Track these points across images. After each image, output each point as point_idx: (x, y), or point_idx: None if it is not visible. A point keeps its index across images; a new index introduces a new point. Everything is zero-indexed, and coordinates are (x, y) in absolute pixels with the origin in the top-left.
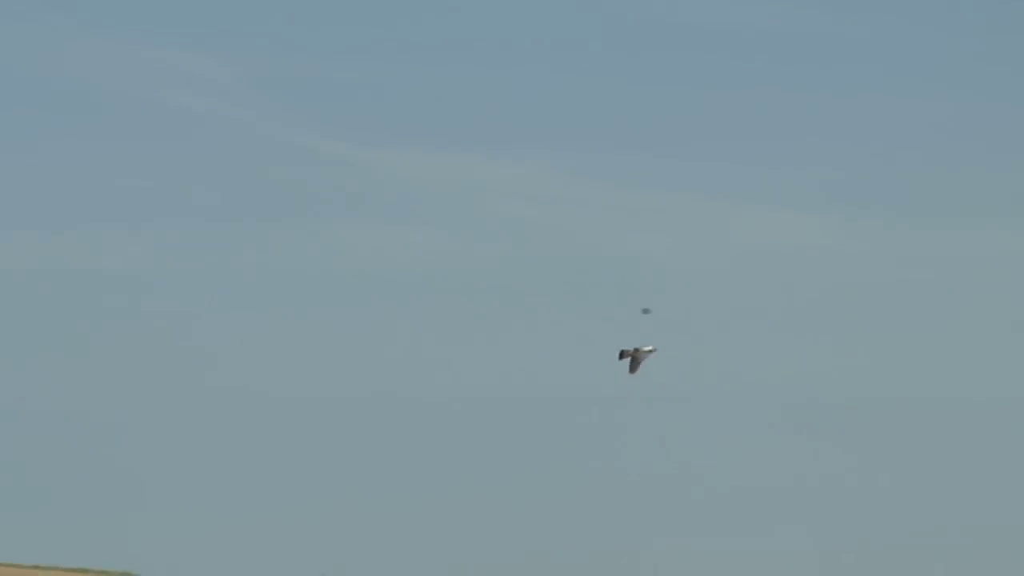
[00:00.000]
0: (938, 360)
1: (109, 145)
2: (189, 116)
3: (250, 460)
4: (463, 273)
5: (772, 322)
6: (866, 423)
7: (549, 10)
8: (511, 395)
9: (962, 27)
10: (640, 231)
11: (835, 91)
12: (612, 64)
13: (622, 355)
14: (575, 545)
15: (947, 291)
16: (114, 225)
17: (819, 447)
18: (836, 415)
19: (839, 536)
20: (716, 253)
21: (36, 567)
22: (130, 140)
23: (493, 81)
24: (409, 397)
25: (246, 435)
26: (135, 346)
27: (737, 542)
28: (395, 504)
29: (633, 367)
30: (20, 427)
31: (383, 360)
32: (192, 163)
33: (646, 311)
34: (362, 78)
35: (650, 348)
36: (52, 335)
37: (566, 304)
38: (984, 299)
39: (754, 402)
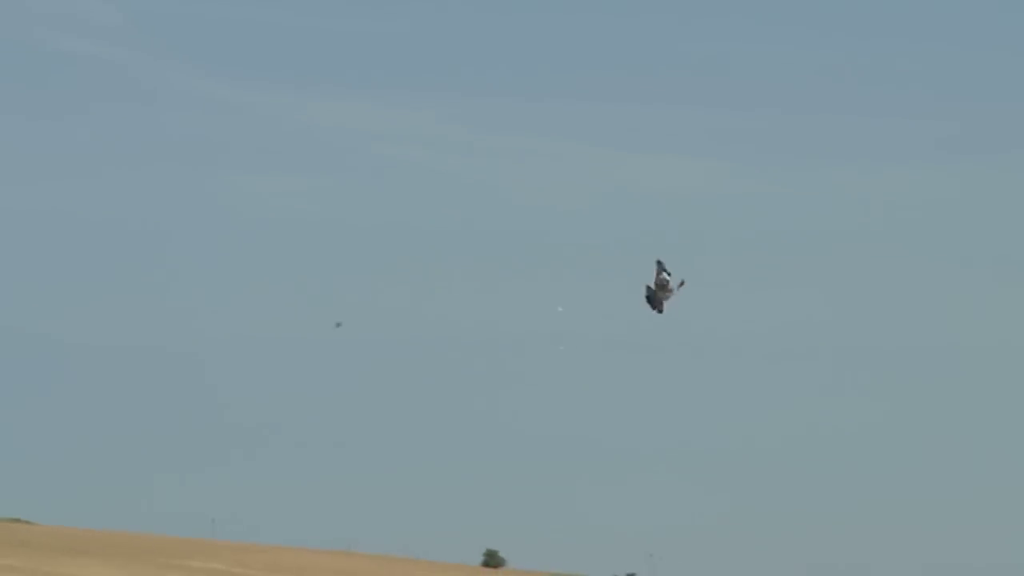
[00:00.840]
0: (816, 297)
1: None
2: (75, 59)
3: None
4: (350, 217)
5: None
6: (763, 361)
7: None
8: (398, 336)
9: None
10: (529, 175)
11: (726, 37)
12: (502, 11)
13: (654, 296)
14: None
15: (827, 232)
16: None
17: (716, 388)
18: (732, 354)
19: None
20: (604, 197)
21: None
22: (9, 81)
23: (381, 28)
24: (288, 337)
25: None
26: None
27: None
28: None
29: (658, 305)
30: None
31: (270, 303)
32: (76, 105)
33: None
34: (248, 25)
35: (680, 282)
36: None
37: (454, 248)
38: (855, 239)
39: (640, 341)
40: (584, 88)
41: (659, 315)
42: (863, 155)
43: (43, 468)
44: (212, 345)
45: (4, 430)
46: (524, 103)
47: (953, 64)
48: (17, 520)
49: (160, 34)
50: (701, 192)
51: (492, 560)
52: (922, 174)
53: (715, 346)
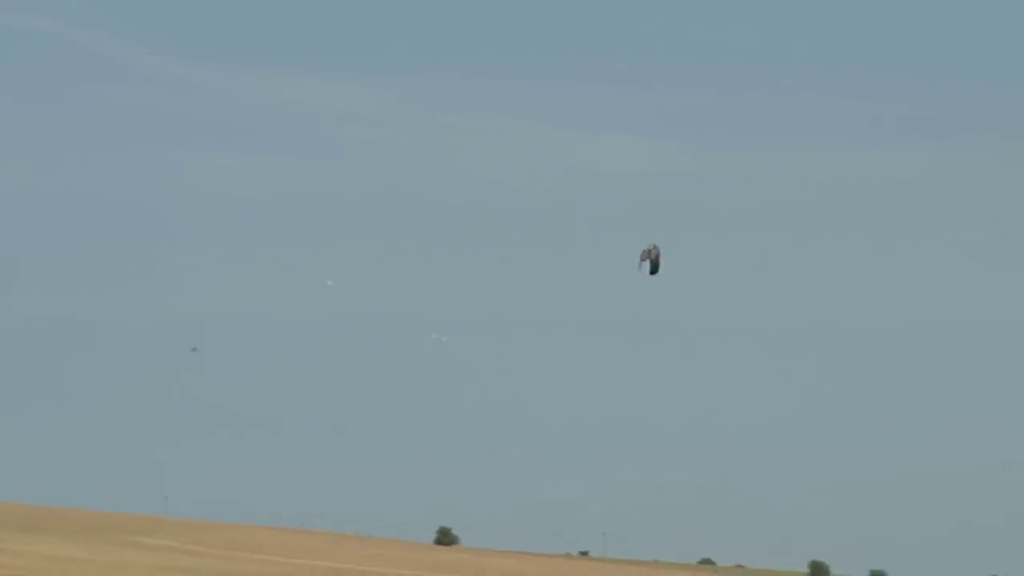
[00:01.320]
0: (770, 276)
1: None
2: (37, 38)
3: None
4: (306, 195)
5: (609, 242)
6: (715, 341)
7: None
8: (352, 316)
9: None
10: (482, 154)
11: (679, 18)
12: None
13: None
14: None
15: (780, 211)
16: None
17: (668, 368)
18: (685, 335)
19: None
20: (554, 176)
21: None
22: None
23: (343, 9)
24: (243, 317)
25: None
26: None
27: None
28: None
29: (653, 268)
30: None
31: (230, 280)
32: (39, 84)
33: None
34: (212, 6)
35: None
36: None
37: (408, 226)
38: (808, 218)
39: (593, 320)
40: (539, 68)
41: (643, 274)
42: (818, 135)
43: None
44: (169, 323)
45: None
46: (481, 83)
47: (909, 45)
48: None
49: (121, 14)
50: (654, 171)
51: (445, 538)
52: (875, 155)
53: (668, 326)
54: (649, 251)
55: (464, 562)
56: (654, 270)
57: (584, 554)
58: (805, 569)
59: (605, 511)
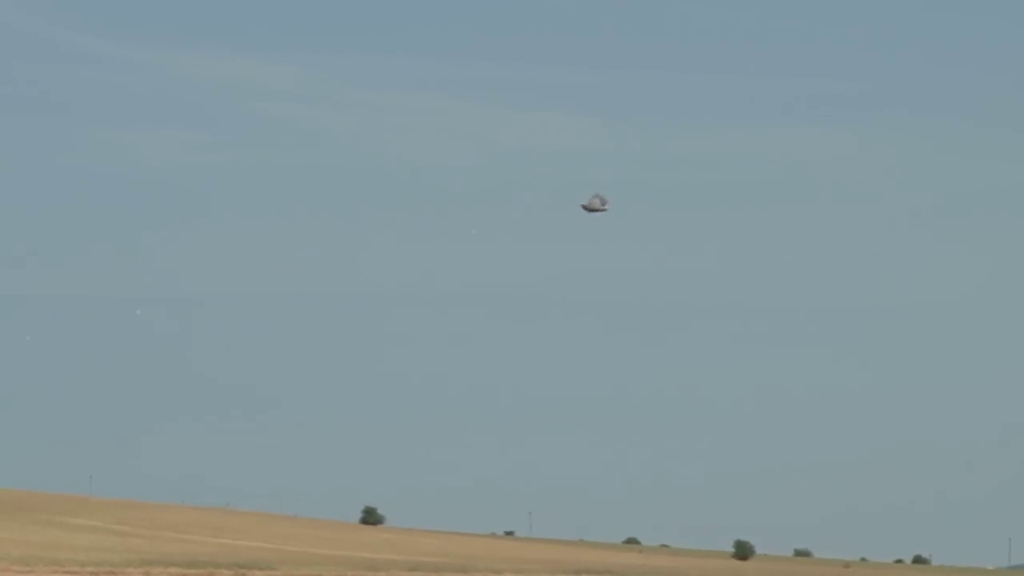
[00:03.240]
0: (699, 252)
1: None
2: None
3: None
4: (226, 172)
5: (528, 219)
6: (641, 317)
7: None
8: (274, 292)
9: None
10: (405, 132)
11: None
12: None
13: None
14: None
15: (712, 188)
16: None
17: (595, 345)
18: (611, 311)
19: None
20: (479, 154)
21: None
22: None
23: None
24: (161, 294)
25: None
26: None
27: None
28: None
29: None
30: None
31: (142, 257)
32: None
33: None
34: None
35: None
36: None
37: (327, 203)
38: (742, 195)
39: (518, 295)
40: (460, 46)
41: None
42: (749, 113)
43: None
44: (81, 300)
45: None
46: (400, 59)
47: (848, 23)
48: None
49: None
50: (577, 148)
51: (371, 517)
52: (804, 132)
53: (593, 305)
54: (596, 202)
55: (390, 542)
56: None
57: (510, 534)
58: (730, 549)
59: (531, 491)
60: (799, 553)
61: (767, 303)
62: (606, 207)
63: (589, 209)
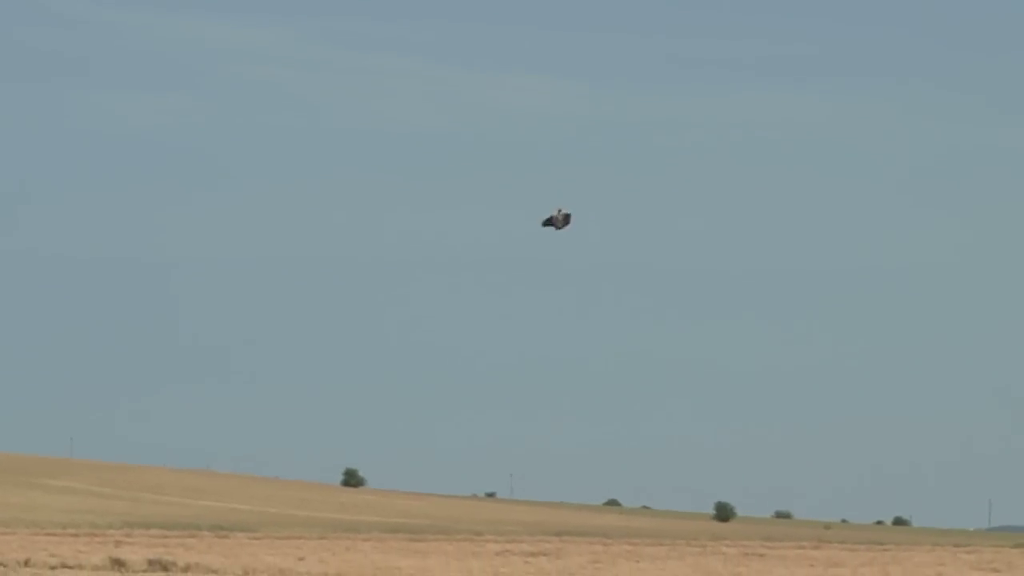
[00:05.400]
0: (678, 217)
1: None
2: None
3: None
4: (206, 135)
5: (506, 181)
6: (618, 281)
7: None
8: (255, 255)
9: None
10: (384, 95)
11: None
12: None
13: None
14: None
15: (689, 152)
16: None
17: (573, 309)
18: (587, 274)
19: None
20: (454, 116)
21: None
22: None
23: None
24: (147, 256)
25: None
26: None
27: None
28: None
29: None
30: None
31: (122, 221)
32: None
33: None
34: None
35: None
36: None
37: (307, 167)
38: (717, 159)
39: (499, 258)
40: (441, 8)
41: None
42: (722, 76)
43: None
44: (62, 262)
45: None
46: (381, 22)
47: None
48: None
49: None
50: (560, 112)
51: (352, 479)
52: (780, 97)
53: (570, 269)
54: (559, 217)
55: (371, 504)
56: (551, 223)
57: (491, 496)
58: (711, 511)
59: (512, 454)
60: (779, 515)
61: (747, 267)
62: (566, 220)
63: (555, 223)
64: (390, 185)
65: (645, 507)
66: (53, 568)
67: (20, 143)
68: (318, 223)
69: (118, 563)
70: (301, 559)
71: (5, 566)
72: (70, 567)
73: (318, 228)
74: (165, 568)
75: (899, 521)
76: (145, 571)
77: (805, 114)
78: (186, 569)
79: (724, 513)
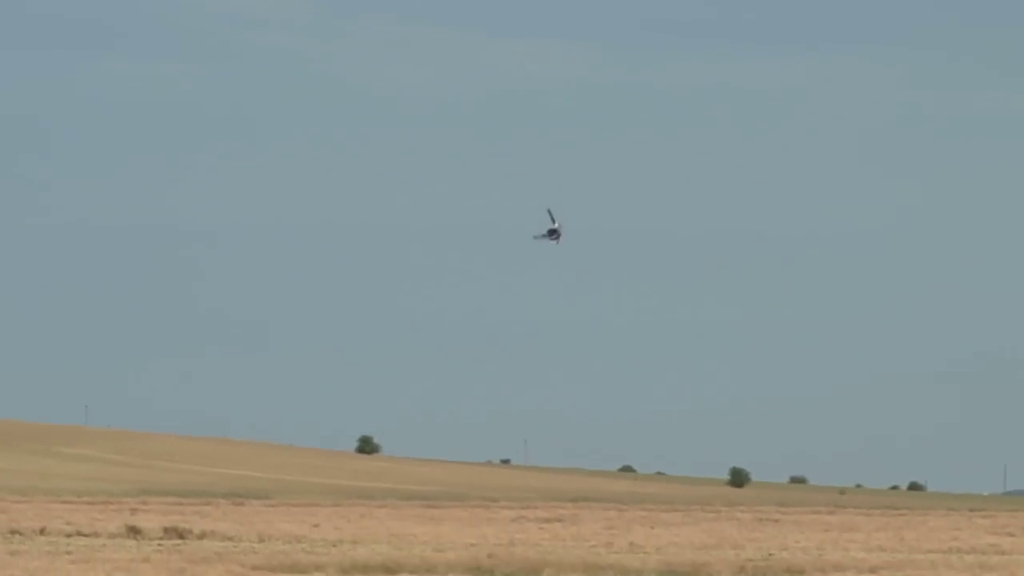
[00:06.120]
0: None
1: None
2: None
3: None
4: (215, 102)
5: (523, 149)
6: (624, 248)
7: None
8: (269, 221)
9: None
10: (402, 62)
11: None
12: None
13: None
14: None
15: (679, 122)
16: None
17: (584, 274)
18: (597, 241)
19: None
20: (473, 84)
21: None
22: None
23: None
24: (156, 220)
25: None
26: None
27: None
28: None
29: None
30: None
31: (138, 188)
32: None
33: None
34: None
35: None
36: None
37: (319, 134)
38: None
39: (516, 232)
40: None
41: (556, 239)
42: (720, 44)
43: None
44: (76, 229)
45: None
46: None
47: None
48: None
49: None
50: (571, 77)
51: (367, 447)
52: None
53: (592, 231)
54: (555, 229)
55: (386, 471)
56: (554, 233)
57: (506, 462)
58: (726, 476)
59: (526, 420)
60: (795, 480)
61: (758, 229)
62: (557, 232)
63: (551, 235)
64: (405, 154)
65: (660, 473)
66: (69, 536)
67: (40, 109)
68: (332, 191)
69: (134, 531)
70: (316, 526)
71: (21, 534)
72: (86, 535)
73: (333, 196)
74: (181, 535)
75: (914, 486)
76: (161, 538)
77: (756, 79)
78: (201, 536)
79: (739, 479)
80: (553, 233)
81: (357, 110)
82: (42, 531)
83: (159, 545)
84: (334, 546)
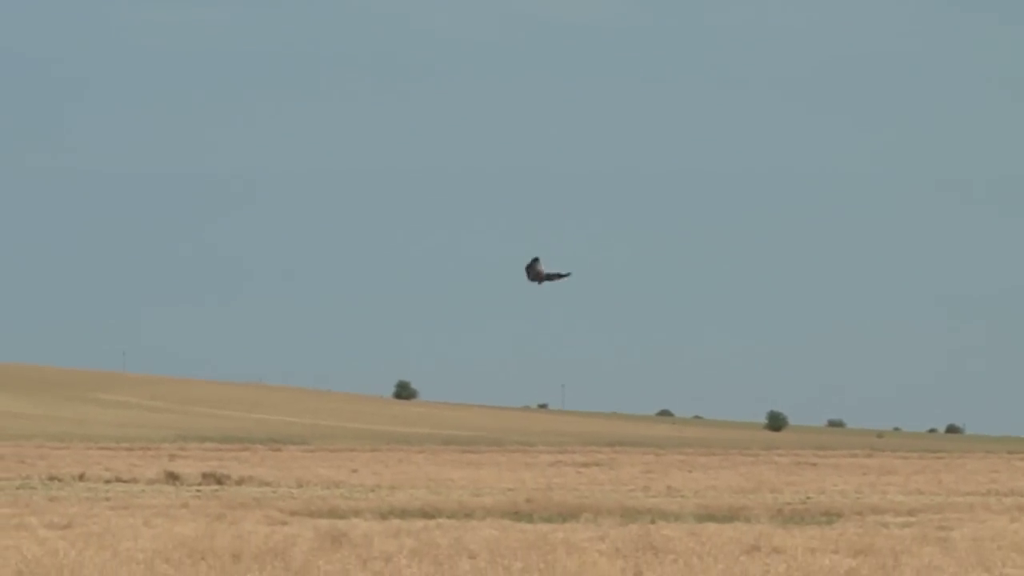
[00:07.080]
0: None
1: None
2: None
3: None
4: (239, 49)
5: (558, 92)
6: (647, 188)
7: None
8: (301, 165)
9: None
10: (433, 3)
11: None
12: None
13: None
14: None
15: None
16: None
17: (615, 213)
18: (626, 182)
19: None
20: (494, 24)
21: None
22: None
23: None
24: (183, 169)
25: None
26: None
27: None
28: None
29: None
30: None
31: (173, 135)
32: None
33: None
34: None
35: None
36: None
37: (355, 73)
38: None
39: (542, 170)
40: None
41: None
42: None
43: None
44: (113, 177)
45: None
46: None
47: None
48: None
49: None
50: (596, 23)
51: (404, 392)
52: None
53: (618, 177)
54: (555, 274)
55: (423, 416)
56: (541, 276)
57: (543, 407)
58: (763, 420)
59: (564, 364)
60: (832, 424)
61: (791, 167)
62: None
63: (548, 277)
64: (435, 95)
65: (697, 417)
66: (108, 482)
67: (63, 54)
68: (364, 135)
69: (172, 476)
70: (354, 471)
71: (60, 480)
72: (124, 481)
73: (366, 140)
74: (219, 481)
75: (952, 429)
76: (199, 484)
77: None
78: (240, 482)
79: (776, 422)
80: (559, 276)
81: (389, 50)
82: (81, 477)
83: (197, 491)
84: (372, 491)
